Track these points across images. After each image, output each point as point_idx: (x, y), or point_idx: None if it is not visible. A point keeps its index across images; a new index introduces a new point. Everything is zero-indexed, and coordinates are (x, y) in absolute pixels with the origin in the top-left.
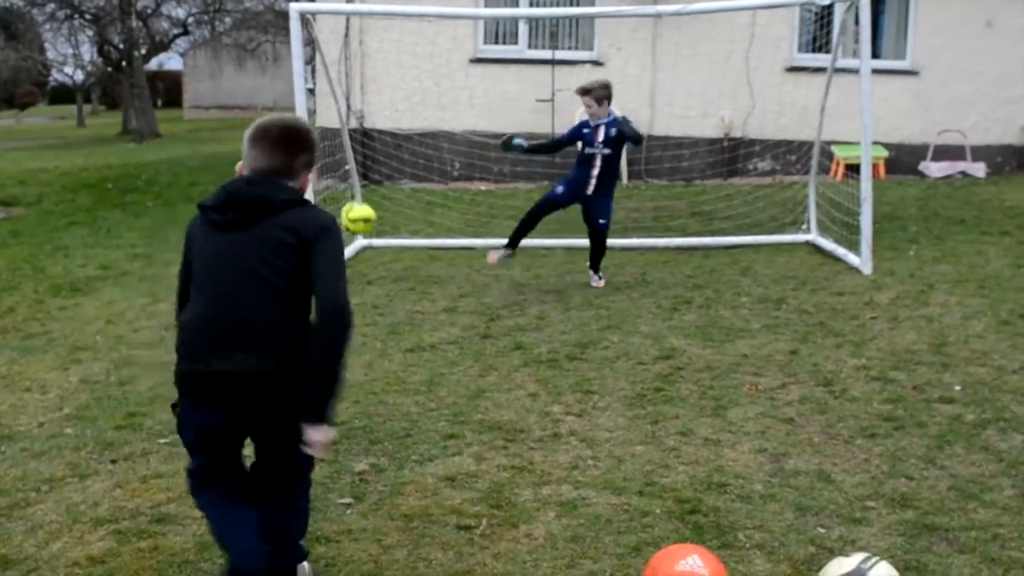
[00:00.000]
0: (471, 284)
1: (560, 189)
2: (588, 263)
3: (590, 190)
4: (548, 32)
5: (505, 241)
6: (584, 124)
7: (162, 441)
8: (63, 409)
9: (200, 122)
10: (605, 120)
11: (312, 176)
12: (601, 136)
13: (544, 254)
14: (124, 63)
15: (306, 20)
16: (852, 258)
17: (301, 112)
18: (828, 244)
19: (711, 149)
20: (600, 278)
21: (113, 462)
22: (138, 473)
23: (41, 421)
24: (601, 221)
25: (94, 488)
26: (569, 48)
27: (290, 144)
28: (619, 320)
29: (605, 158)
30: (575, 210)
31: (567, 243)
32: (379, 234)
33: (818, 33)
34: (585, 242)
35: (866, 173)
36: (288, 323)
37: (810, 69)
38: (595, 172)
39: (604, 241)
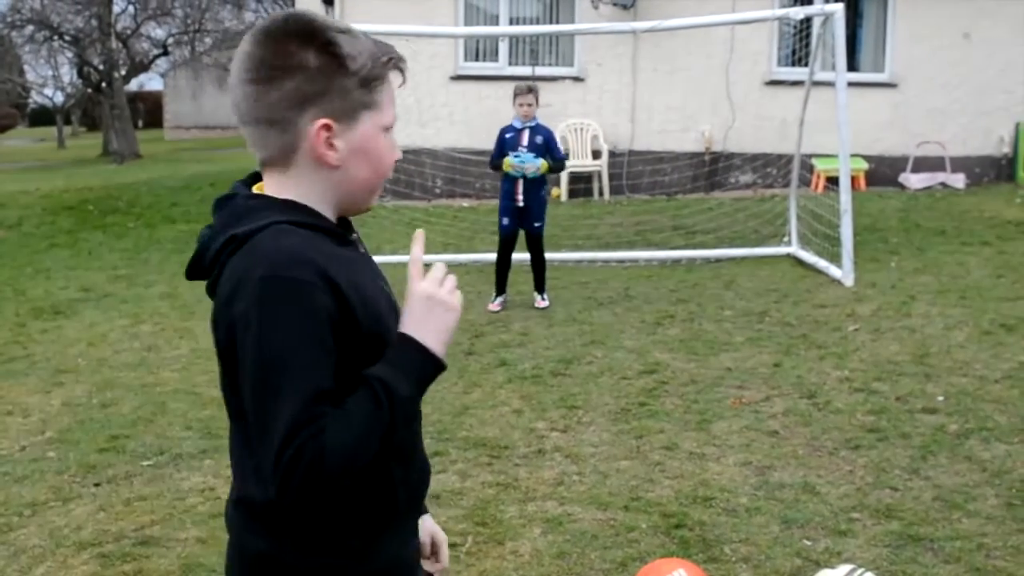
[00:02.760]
0: None
1: (505, 221)
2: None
3: (519, 202)
4: (528, 49)
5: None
6: (507, 128)
7: (145, 463)
8: (45, 432)
9: (181, 143)
10: (532, 123)
11: (330, 132)
12: (526, 140)
13: (527, 270)
14: (104, 84)
15: None
16: (834, 270)
17: None
18: (809, 257)
19: (692, 163)
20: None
21: (96, 485)
22: (121, 496)
23: (23, 445)
24: (536, 224)
25: (77, 512)
26: (549, 64)
27: (262, 70)
28: (603, 335)
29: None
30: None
31: (549, 257)
32: None
33: (797, 47)
34: (566, 256)
35: (845, 185)
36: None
37: (789, 82)
38: (519, 181)
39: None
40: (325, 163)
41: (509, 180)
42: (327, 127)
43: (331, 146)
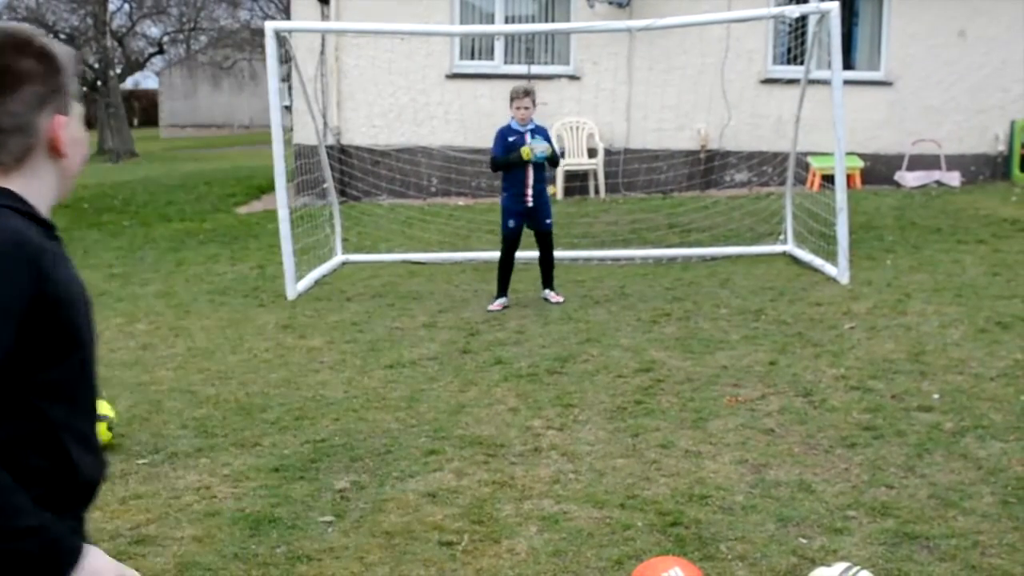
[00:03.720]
0: (450, 299)
1: (511, 224)
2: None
3: (530, 203)
4: (524, 47)
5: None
6: (508, 131)
7: (141, 462)
8: None
9: (176, 141)
10: (531, 126)
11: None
12: (529, 142)
13: (523, 268)
14: (99, 83)
15: (282, 38)
16: (829, 268)
17: (277, 130)
18: (805, 255)
19: (687, 161)
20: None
21: None
22: (117, 495)
23: None
24: (547, 221)
25: None
26: (545, 63)
27: None
28: (599, 333)
29: (536, 165)
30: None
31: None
32: (358, 250)
33: (792, 45)
34: (562, 255)
35: (840, 184)
36: None
37: (784, 81)
38: (529, 182)
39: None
40: (59, 153)
41: (517, 183)
42: (60, 122)
43: (62, 138)
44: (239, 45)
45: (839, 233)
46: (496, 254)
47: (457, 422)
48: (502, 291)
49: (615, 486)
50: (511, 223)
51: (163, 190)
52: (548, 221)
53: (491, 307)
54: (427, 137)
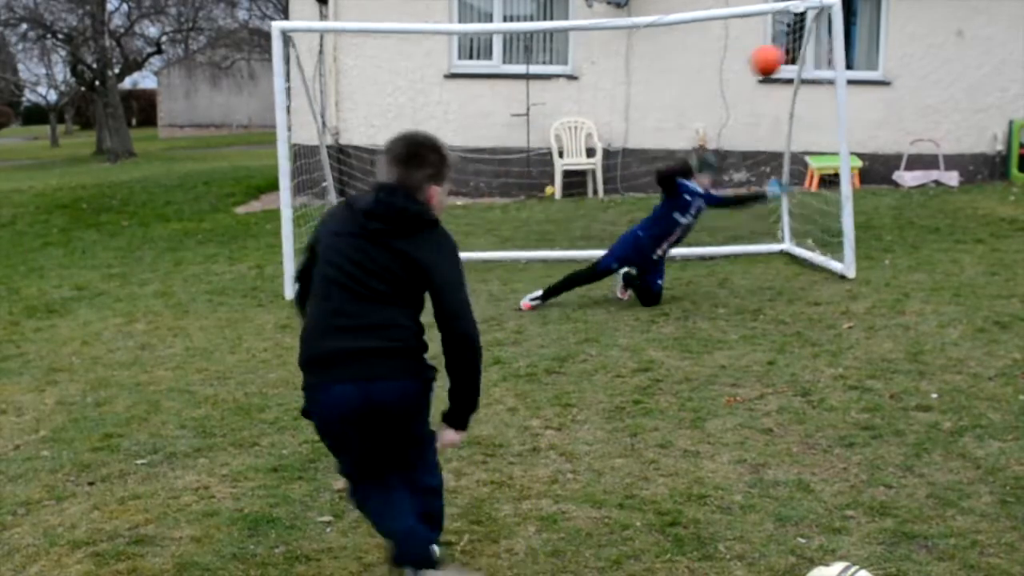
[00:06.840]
0: None
1: (615, 266)
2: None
3: (657, 253)
4: (522, 46)
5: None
6: (695, 192)
7: (139, 462)
8: (39, 431)
9: (174, 141)
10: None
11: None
12: (694, 209)
13: (522, 268)
14: (98, 82)
15: (288, 39)
16: (834, 264)
17: (282, 130)
18: (806, 253)
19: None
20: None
21: (90, 484)
22: (115, 495)
23: (17, 443)
24: (659, 282)
25: (71, 510)
26: (543, 62)
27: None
28: (597, 333)
29: (685, 228)
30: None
31: (544, 255)
32: None
33: (792, 46)
34: (561, 254)
35: (845, 174)
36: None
37: (783, 81)
38: (674, 237)
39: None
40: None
41: (666, 229)
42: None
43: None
44: (237, 45)
45: (844, 224)
46: (495, 254)
47: None
48: (548, 296)
49: (613, 486)
50: (615, 265)
51: (161, 190)
52: (660, 282)
53: (523, 304)
54: None
